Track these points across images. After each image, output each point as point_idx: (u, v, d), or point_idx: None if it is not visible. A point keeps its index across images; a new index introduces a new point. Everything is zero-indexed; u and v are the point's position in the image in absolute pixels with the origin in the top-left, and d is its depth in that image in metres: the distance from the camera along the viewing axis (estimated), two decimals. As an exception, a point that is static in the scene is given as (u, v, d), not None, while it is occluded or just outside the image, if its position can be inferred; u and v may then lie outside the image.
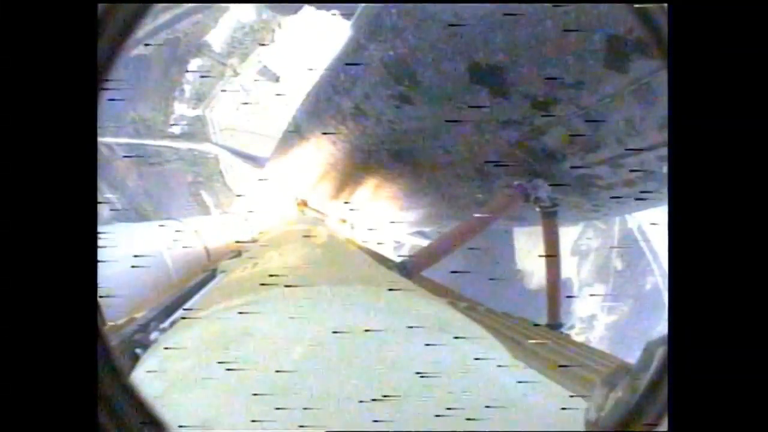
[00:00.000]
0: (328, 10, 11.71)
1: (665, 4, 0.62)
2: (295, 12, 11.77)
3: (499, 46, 3.39)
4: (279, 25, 12.25)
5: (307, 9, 11.72)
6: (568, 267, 15.01)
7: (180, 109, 12.57)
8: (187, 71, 11.90)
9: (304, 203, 9.74)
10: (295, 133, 7.78)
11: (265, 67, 12.42)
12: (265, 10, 12.08)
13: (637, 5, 0.64)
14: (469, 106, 3.98)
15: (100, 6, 0.56)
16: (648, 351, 0.64)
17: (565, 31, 2.98)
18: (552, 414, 0.85)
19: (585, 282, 16.31)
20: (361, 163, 6.39)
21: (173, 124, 12.37)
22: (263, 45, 12.08)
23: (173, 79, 12.39)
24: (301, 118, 7.30)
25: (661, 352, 0.62)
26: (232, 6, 12.11)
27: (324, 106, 6.04)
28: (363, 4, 4.77)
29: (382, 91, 4.56)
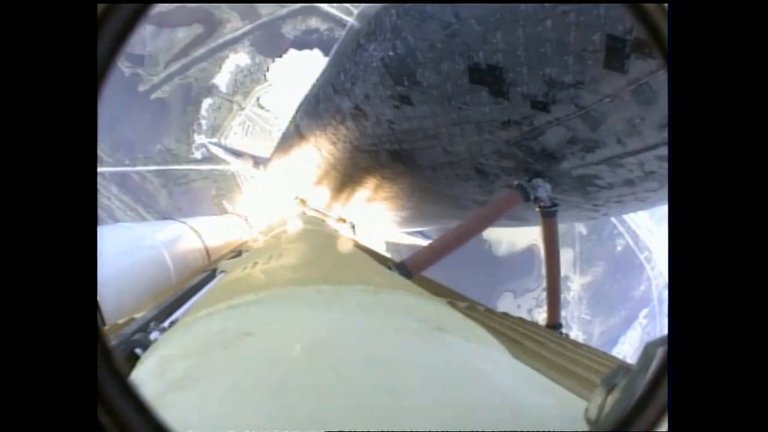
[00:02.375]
0: (310, 49, 14.34)
1: (665, 4, 0.62)
2: (281, 55, 14.62)
3: (498, 46, 3.39)
4: (268, 68, 15.06)
5: (291, 51, 14.59)
6: (531, 234, 15.71)
7: (199, 139, 15.14)
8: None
9: (304, 203, 9.75)
10: (295, 133, 7.79)
11: (261, 102, 15.11)
12: (258, 55, 14.76)
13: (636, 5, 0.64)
14: (468, 106, 3.98)
15: (100, 6, 0.56)
16: (648, 351, 0.64)
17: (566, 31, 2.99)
18: (552, 414, 0.85)
19: None
20: (361, 163, 6.39)
21: (195, 151, 15.20)
22: (259, 84, 14.99)
23: (191, 116, 15.01)
24: (301, 119, 7.30)
25: (661, 352, 0.62)
26: (231, 54, 14.70)
27: (324, 106, 6.04)
28: (363, 4, 4.77)
29: (382, 91, 4.56)
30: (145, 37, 14.63)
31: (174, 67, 14.68)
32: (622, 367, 0.67)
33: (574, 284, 17.64)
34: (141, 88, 14.64)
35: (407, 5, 3.74)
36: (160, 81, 14.66)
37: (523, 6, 3.10)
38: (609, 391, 0.65)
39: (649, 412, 0.59)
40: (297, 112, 7.62)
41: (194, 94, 15.03)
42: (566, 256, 17.30)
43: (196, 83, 14.98)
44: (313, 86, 6.50)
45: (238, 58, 14.92)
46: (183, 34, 14.62)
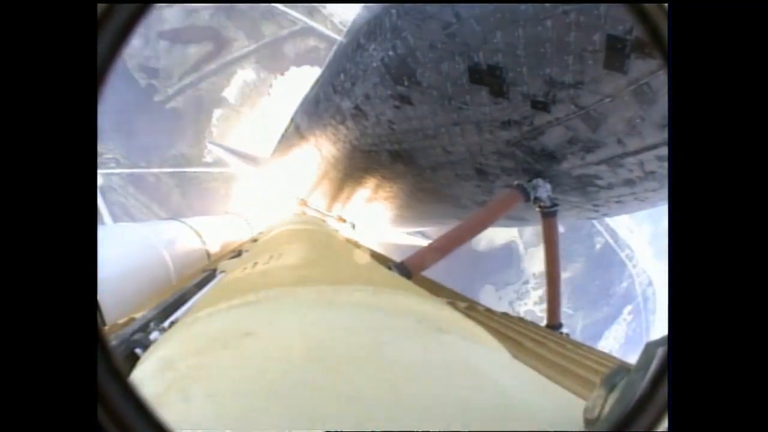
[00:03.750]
0: (311, 66, 16.12)
1: (665, 4, 0.62)
2: (282, 73, 16.81)
3: (499, 46, 3.39)
4: (271, 85, 17.04)
5: (293, 69, 16.72)
6: (511, 230, 16.62)
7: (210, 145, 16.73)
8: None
9: (305, 203, 9.75)
10: (295, 133, 7.78)
11: (265, 114, 16.77)
12: (262, 71, 16.72)
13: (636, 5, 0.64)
14: (468, 106, 3.98)
15: (100, 6, 0.56)
16: (648, 351, 0.64)
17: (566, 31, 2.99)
18: (552, 414, 0.85)
19: (529, 243, 18.29)
20: (361, 163, 6.39)
21: (206, 156, 16.94)
22: (264, 97, 16.96)
23: (202, 124, 16.83)
24: (301, 119, 7.30)
25: (661, 352, 0.62)
26: (239, 70, 16.64)
27: (324, 106, 6.04)
28: (363, 4, 4.78)
29: (382, 91, 4.56)
30: (160, 51, 16.28)
31: (187, 80, 16.76)
32: (622, 367, 0.67)
33: (554, 278, 18.43)
34: (156, 98, 16.62)
35: (407, 5, 3.74)
36: (174, 92, 16.73)
37: (523, 6, 3.11)
38: (609, 391, 0.65)
39: (649, 412, 0.59)
40: (297, 112, 7.62)
41: (205, 105, 17.09)
42: (542, 251, 18.01)
43: (207, 95, 17.03)
44: (313, 86, 6.50)
45: (245, 74, 17.02)
46: (194, 51, 16.73)
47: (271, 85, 16.82)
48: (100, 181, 16.56)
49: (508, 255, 17.71)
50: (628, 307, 18.60)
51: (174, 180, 16.79)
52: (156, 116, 16.36)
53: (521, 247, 17.96)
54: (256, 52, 16.67)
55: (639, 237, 18.34)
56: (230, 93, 16.94)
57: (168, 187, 16.78)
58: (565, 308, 18.43)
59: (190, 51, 16.52)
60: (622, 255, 18.41)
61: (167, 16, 15.90)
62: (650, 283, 18.75)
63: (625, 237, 18.25)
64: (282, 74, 16.84)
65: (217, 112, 17.03)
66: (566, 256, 18.09)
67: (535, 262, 18.28)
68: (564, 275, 18.81)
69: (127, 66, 16.10)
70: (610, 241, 18.08)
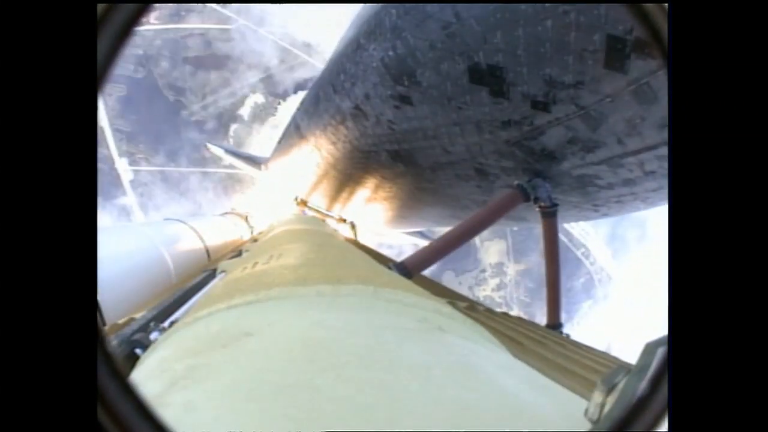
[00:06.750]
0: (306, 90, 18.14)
1: (665, 4, 0.62)
2: (285, 99, 21.61)
3: (499, 46, 3.39)
4: (277, 106, 21.63)
5: (292, 95, 20.78)
6: None
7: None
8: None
9: (304, 203, 9.75)
10: (295, 133, 7.78)
11: (273, 129, 20.40)
12: (269, 96, 21.91)
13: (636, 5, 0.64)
14: (468, 106, 3.98)
15: (100, 6, 0.56)
16: (648, 351, 0.64)
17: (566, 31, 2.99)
18: (552, 414, 0.85)
19: (485, 237, 20.80)
20: (361, 163, 6.39)
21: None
22: (271, 116, 21.70)
23: (222, 135, 21.46)
24: (301, 119, 7.30)
25: (660, 352, 0.62)
26: (251, 94, 21.70)
27: (324, 107, 6.04)
28: (363, 4, 4.78)
29: (382, 91, 4.56)
30: (186, 74, 20.75)
31: (209, 99, 20.61)
32: (622, 367, 0.67)
33: (509, 270, 20.96)
34: (184, 112, 20.87)
35: (407, 5, 3.74)
36: (198, 108, 21.07)
37: (523, 6, 3.11)
38: (609, 391, 0.65)
39: (649, 412, 0.59)
40: (297, 111, 7.61)
41: (224, 120, 21.38)
42: (499, 246, 20.94)
43: (225, 112, 21.44)
44: (313, 86, 6.50)
45: (256, 97, 21.67)
46: (215, 76, 21.19)
47: (276, 108, 20.74)
48: (130, 176, 20.07)
49: (465, 245, 19.18)
50: (589, 302, 20.52)
51: (197, 178, 21.12)
52: (183, 127, 20.67)
53: (477, 240, 20.13)
54: (265, 80, 21.14)
55: (595, 238, 20.37)
56: (244, 111, 21.60)
57: (191, 183, 20.89)
58: (522, 297, 20.20)
59: (211, 76, 20.95)
60: (578, 253, 20.37)
61: (191, 44, 20.25)
62: (610, 280, 20.59)
63: (580, 237, 20.23)
64: (284, 100, 21.08)
65: (233, 126, 21.71)
66: (519, 250, 20.30)
67: (491, 254, 21.21)
68: (519, 267, 20.45)
69: (158, 83, 20.13)
70: (564, 240, 19.84)
